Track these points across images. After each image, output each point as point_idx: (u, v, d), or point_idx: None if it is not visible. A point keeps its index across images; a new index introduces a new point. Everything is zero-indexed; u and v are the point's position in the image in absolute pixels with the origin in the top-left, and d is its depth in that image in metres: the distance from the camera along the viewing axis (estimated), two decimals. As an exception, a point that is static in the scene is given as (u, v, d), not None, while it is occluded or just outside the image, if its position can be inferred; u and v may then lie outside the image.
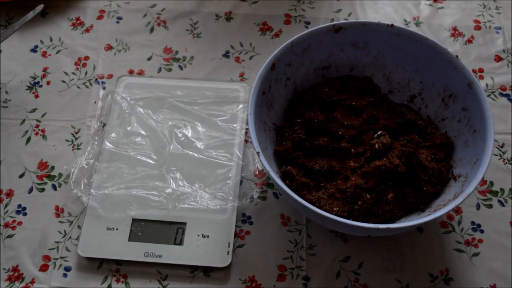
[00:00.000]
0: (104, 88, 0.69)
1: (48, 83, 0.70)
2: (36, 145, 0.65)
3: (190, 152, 0.63)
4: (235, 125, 0.65)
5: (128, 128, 0.65)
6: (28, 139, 0.65)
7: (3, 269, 0.57)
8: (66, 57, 0.72)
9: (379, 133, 0.57)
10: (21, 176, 0.63)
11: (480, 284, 0.56)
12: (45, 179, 0.63)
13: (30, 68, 0.71)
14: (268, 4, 0.76)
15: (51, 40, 0.73)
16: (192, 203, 0.59)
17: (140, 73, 0.70)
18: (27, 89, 0.69)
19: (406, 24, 0.74)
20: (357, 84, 0.62)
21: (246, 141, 0.64)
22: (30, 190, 0.62)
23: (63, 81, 0.70)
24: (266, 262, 0.57)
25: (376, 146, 0.55)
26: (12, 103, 0.68)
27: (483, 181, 0.61)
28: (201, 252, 0.57)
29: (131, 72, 0.70)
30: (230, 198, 0.59)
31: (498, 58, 0.71)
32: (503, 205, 0.60)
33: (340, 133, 0.58)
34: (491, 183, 0.61)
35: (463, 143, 0.56)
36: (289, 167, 0.56)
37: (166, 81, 0.68)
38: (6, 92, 0.69)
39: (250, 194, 0.61)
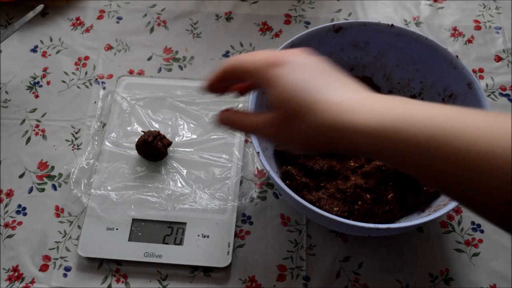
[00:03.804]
0: (104, 88, 0.69)
1: (48, 83, 0.70)
2: (36, 145, 0.65)
3: (190, 152, 0.63)
4: (235, 125, 0.65)
5: (128, 128, 0.65)
6: (28, 139, 0.65)
7: (3, 269, 0.57)
8: (66, 57, 0.72)
9: None
10: (21, 176, 0.63)
11: (480, 284, 0.56)
12: (45, 179, 0.63)
13: (30, 68, 0.71)
14: (268, 4, 0.76)
15: (51, 40, 0.73)
16: (191, 204, 0.59)
17: (140, 73, 0.70)
18: (27, 89, 0.69)
19: (406, 24, 0.74)
20: (357, 84, 0.62)
21: (246, 141, 0.64)
22: (30, 190, 0.62)
23: (63, 81, 0.70)
24: (266, 262, 0.57)
25: None
26: (12, 103, 0.68)
27: (483, 181, 0.61)
28: (201, 252, 0.57)
29: (131, 72, 0.70)
30: (230, 198, 0.59)
31: (498, 58, 0.71)
32: (503, 205, 0.60)
33: (340, 133, 0.58)
34: (491, 183, 0.61)
35: (463, 143, 0.56)
36: (289, 167, 0.56)
37: (166, 81, 0.68)
38: (6, 92, 0.69)
39: (250, 194, 0.61)
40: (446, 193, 0.31)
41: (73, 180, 0.61)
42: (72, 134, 0.66)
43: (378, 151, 0.31)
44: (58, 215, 0.60)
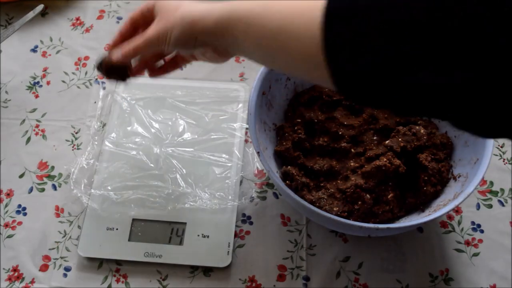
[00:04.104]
0: (104, 88, 0.69)
1: (48, 83, 0.70)
2: (36, 145, 0.65)
3: (190, 152, 0.63)
4: (235, 125, 0.65)
5: (128, 128, 0.65)
6: (28, 139, 0.65)
7: (3, 269, 0.57)
8: (66, 57, 0.72)
9: None
10: (21, 176, 0.63)
11: (480, 284, 0.56)
12: (45, 179, 0.63)
13: (30, 68, 0.71)
14: (268, 4, 0.76)
15: (51, 40, 0.73)
16: (191, 203, 0.59)
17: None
18: (27, 89, 0.69)
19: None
20: (357, 84, 0.62)
21: (246, 140, 0.64)
22: (30, 190, 0.62)
23: (63, 81, 0.70)
24: (266, 262, 0.57)
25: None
26: (12, 103, 0.68)
27: (483, 181, 0.61)
28: (201, 252, 0.57)
29: (131, 72, 0.70)
30: (230, 197, 0.59)
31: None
32: (503, 205, 0.60)
33: (340, 133, 0.58)
34: (491, 183, 0.61)
35: (463, 143, 0.56)
36: (289, 167, 0.56)
37: (166, 81, 0.68)
38: (6, 92, 0.69)
39: (250, 194, 0.61)
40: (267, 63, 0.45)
41: (73, 180, 0.61)
42: (72, 134, 0.66)
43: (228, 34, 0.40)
44: (58, 215, 0.60)
